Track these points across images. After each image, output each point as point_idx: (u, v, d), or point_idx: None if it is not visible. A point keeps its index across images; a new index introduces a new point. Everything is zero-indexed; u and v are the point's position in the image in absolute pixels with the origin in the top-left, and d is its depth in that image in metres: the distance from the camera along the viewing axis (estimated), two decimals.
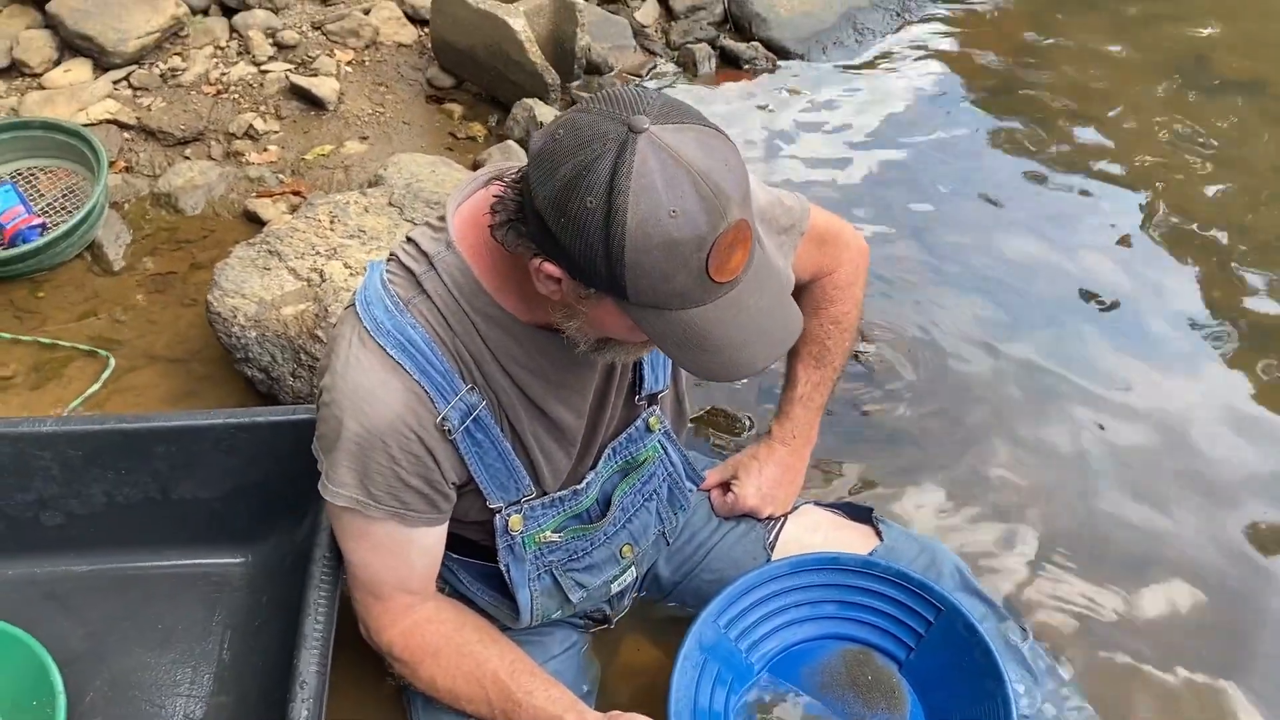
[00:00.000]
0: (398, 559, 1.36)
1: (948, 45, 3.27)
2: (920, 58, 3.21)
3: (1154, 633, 1.75)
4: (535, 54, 2.73)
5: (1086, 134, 2.91)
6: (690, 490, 1.60)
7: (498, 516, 1.37)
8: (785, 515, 1.67)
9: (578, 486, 1.41)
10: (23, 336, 2.18)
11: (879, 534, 1.63)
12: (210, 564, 1.72)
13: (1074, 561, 1.84)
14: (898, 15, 3.39)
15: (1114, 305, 2.37)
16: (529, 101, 2.72)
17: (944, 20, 3.38)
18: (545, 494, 1.39)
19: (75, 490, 1.65)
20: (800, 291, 1.60)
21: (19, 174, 2.47)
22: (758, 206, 1.38)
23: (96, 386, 2.07)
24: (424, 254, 1.23)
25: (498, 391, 1.27)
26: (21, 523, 1.67)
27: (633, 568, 1.57)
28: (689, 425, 1.98)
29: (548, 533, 1.42)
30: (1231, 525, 1.91)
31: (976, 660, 1.44)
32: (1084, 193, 2.71)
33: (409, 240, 1.28)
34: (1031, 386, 2.18)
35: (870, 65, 3.17)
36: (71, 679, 1.55)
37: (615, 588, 1.57)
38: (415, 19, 3.12)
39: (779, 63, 3.16)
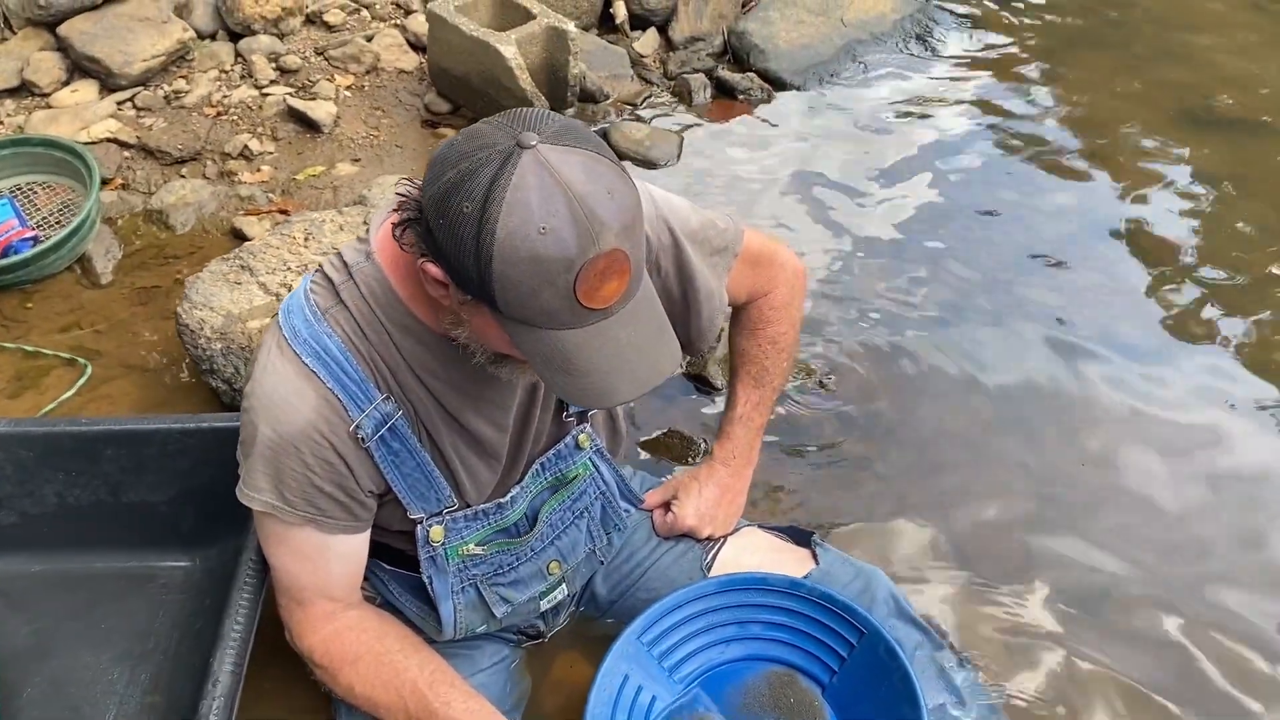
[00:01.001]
0: (316, 565, 1.37)
1: (949, 80, 3.26)
2: (919, 92, 3.21)
3: (1098, 668, 1.72)
4: (525, 81, 2.78)
5: (1090, 169, 2.89)
6: (626, 511, 1.60)
7: (419, 527, 1.38)
8: (725, 536, 1.66)
9: (501, 500, 1.42)
10: (6, 344, 2.24)
11: (816, 558, 1.62)
12: (157, 566, 1.75)
13: (1020, 595, 1.81)
14: (898, 49, 3.40)
15: (1088, 342, 2.34)
16: None
17: (947, 56, 3.38)
18: (468, 506, 1.40)
19: (28, 490, 1.70)
20: (737, 313, 1.62)
21: (19, 189, 2.55)
22: (688, 229, 1.41)
23: (70, 393, 2.13)
24: (345, 265, 1.27)
25: (414, 401, 1.29)
26: None
27: (563, 585, 1.57)
28: (632, 445, 2.00)
29: (471, 545, 1.43)
30: (1186, 566, 1.88)
31: (895, 685, 1.42)
32: (1082, 228, 2.69)
33: (336, 253, 1.31)
34: (1003, 420, 2.16)
35: (867, 99, 3.17)
36: (12, 675, 1.59)
37: (545, 604, 1.57)
38: (417, 46, 3.19)
39: (775, 94, 3.18)
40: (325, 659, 1.40)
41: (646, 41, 3.34)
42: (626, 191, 1.05)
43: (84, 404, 2.12)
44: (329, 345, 1.23)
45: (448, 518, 1.39)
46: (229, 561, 1.66)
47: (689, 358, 2.10)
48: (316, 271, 1.31)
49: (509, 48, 2.76)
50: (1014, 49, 3.41)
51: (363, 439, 1.26)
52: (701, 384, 2.19)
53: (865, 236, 2.64)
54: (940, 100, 3.17)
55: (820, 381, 2.21)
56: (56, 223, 2.49)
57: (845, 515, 1.94)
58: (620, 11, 3.35)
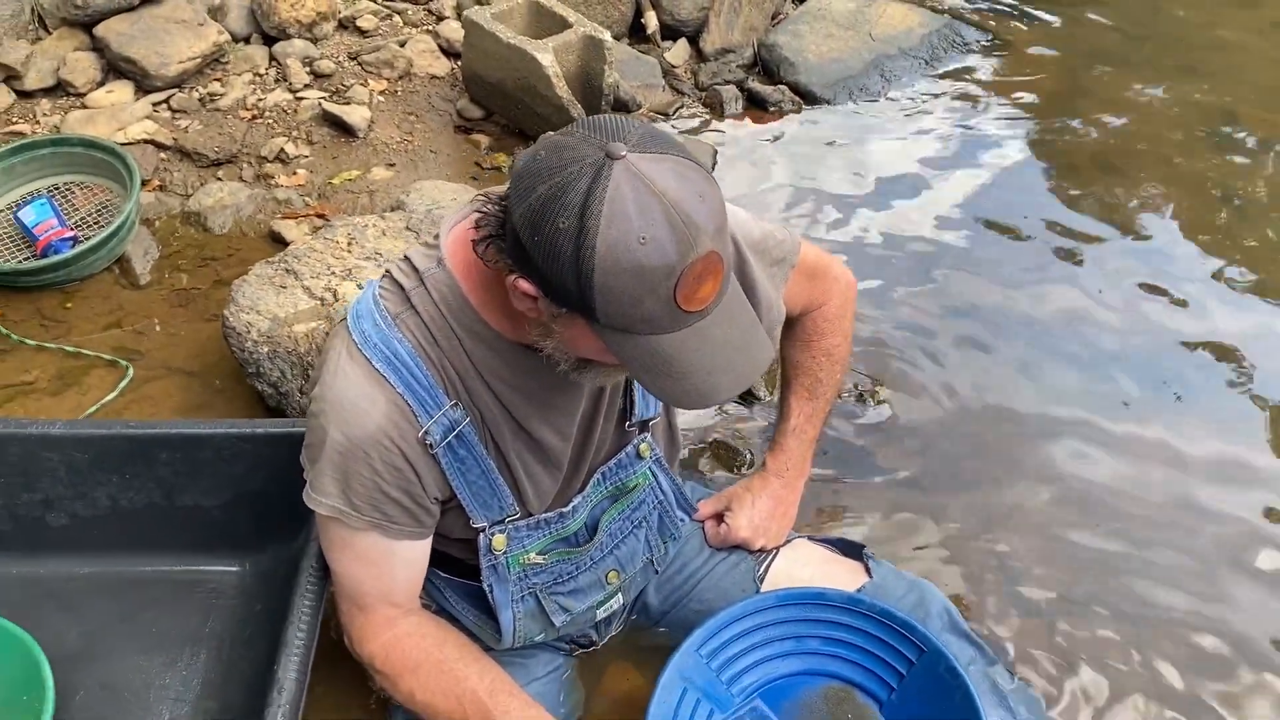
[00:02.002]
0: (380, 570, 1.37)
1: (977, 95, 3.28)
2: (948, 107, 3.23)
3: (1149, 686, 1.72)
4: (562, 89, 2.78)
5: (1117, 185, 2.90)
6: (682, 520, 1.60)
7: (481, 536, 1.38)
8: (777, 548, 1.67)
9: (564, 509, 1.42)
10: (47, 344, 2.24)
11: (869, 571, 1.63)
12: (208, 571, 1.75)
13: (1070, 610, 1.81)
14: (927, 64, 3.41)
15: (1135, 357, 2.35)
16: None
17: (974, 71, 3.40)
18: (530, 515, 1.40)
19: (81, 492, 1.70)
20: (791, 325, 1.62)
21: (56, 188, 2.55)
22: (750, 239, 1.42)
23: (113, 395, 2.12)
24: (415, 270, 1.27)
25: (482, 408, 1.29)
26: (28, 522, 1.71)
27: (620, 594, 1.57)
28: (682, 454, 2.01)
29: (532, 554, 1.43)
30: (1236, 582, 1.88)
31: (957, 704, 1.42)
32: (1108, 240, 2.70)
33: (404, 258, 1.31)
34: (1046, 438, 2.16)
35: (896, 112, 3.19)
36: (64, 677, 1.58)
37: (601, 613, 1.57)
38: (449, 52, 3.20)
39: (805, 107, 3.19)
40: (386, 665, 1.40)
41: (677, 52, 3.35)
42: (714, 194, 1.06)
43: (126, 405, 2.12)
44: (399, 350, 1.24)
45: (510, 526, 1.39)
46: (280, 567, 1.67)
47: None
48: (384, 277, 1.31)
49: (546, 55, 2.77)
50: (1040, 64, 3.43)
51: (431, 445, 1.26)
52: (744, 394, 2.19)
53: (901, 250, 2.65)
54: (969, 114, 3.18)
55: (862, 395, 2.22)
56: (95, 223, 2.49)
57: (891, 529, 1.95)
58: (651, 22, 3.36)
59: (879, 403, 2.20)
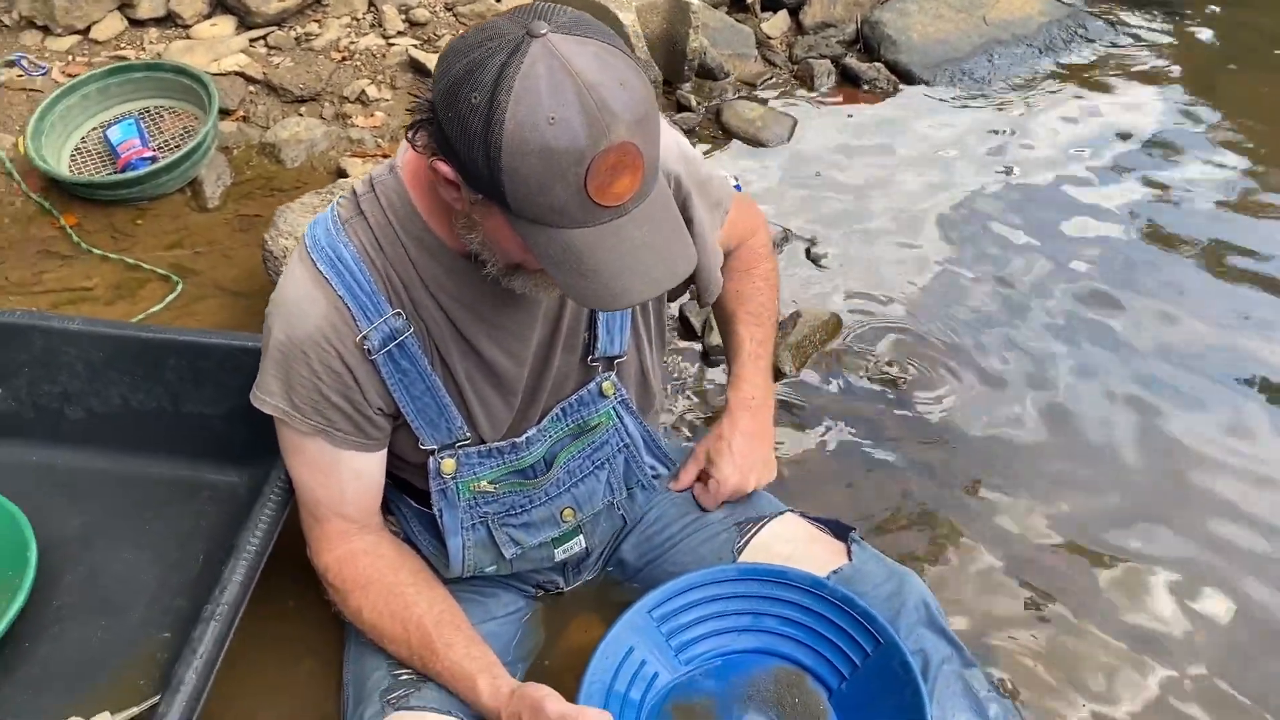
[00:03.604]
0: (329, 479, 1.38)
1: (1090, 88, 3.08)
2: (1055, 99, 3.04)
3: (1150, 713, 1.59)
4: (641, 49, 2.75)
5: (1232, 193, 2.68)
6: (653, 468, 1.56)
7: (431, 459, 1.37)
8: (764, 520, 1.60)
9: (517, 440, 1.40)
10: (111, 255, 2.35)
11: (850, 554, 1.55)
12: (207, 478, 1.78)
13: (1072, 625, 1.69)
14: (1041, 53, 3.22)
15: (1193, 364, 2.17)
16: None
17: (1092, 65, 3.19)
18: (482, 442, 1.38)
19: (96, 389, 1.76)
20: (728, 258, 1.61)
21: (147, 111, 2.67)
22: (698, 177, 1.39)
23: (158, 307, 2.22)
24: (370, 179, 1.27)
25: (427, 320, 1.28)
26: (48, 413, 1.79)
27: (580, 536, 1.54)
28: (690, 418, 1.95)
29: (483, 482, 1.41)
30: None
31: (906, 700, 1.34)
32: (1217, 253, 2.50)
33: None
34: (1078, 438, 2.02)
35: (997, 100, 3.02)
36: (56, 561, 1.66)
37: (560, 553, 1.54)
38: None
39: (900, 86, 3.07)
40: (338, 579, 1.42)
41: (776, 23, 3.26)
42: (639, 84, 1.02)
43: (172, 318, 2.21)
44: (344, 254, 1.24)
45: (460, 452, 1.38)
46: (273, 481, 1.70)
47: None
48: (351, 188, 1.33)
49: (628, 14, 2.74)
50: (1167, 62, 3.19)
51: (369, 350, 1.26)
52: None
53: (976, 241, 2.52)
54: (1079, 109, 2.99)
55: (889, 377, 2.11)
56: (176, 146, 2.59)
57: (892, 514, 1.86)
58: None
59: (901, 388, 2.10)
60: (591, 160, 0.98)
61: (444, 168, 1.07)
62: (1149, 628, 1.71)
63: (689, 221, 1.38)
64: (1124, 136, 2.88)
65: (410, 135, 1.11)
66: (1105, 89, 3.07)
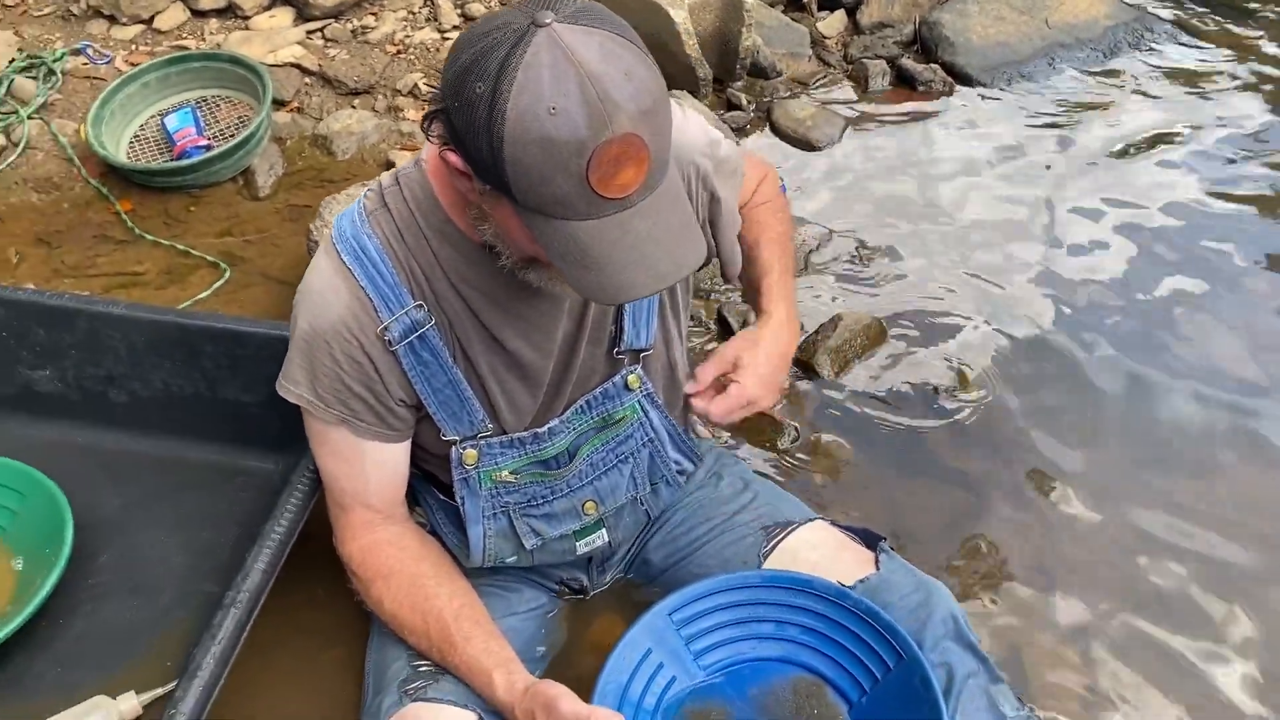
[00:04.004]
0: (353, 469, 1.39)
1: (1155, 94, 2.98)
2: (1118, 106, 2.94)
3: None
4: (691, 47, 2.73)
5: None
6: (677, 464, 1.54)
7: (453, 449, 1.38)
8: (792, 526, 1.57)
9: (539, 430, 1.39)
10: (163, 240, 2.40)
11: (878, 563, 1.52)
12: (243, 464, 1.80)
13: (1111, 648, 1.64)
14: (1106, 57, 3.13)
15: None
16: (677, 94, 2.72)
17: (1158, 71, 3.08)
18: (505, 433, 1.38)
19: (138, 373, 1.80)
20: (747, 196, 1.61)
21: (205, 100, 2.72)
22: (718, 157, 1.40)
23: (206, 293, 2.26)
24: (396, 173, 1.28)
25: (449, 312, 1.28)
26: (93, 395, 1.83)
27: (603, 530, 1.53)
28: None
29: (504, 472, 1.41)
30: None
31: (925, 717, 1.31)
32: None
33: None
34: (1128, 459, 1.96)
35: (1057, 106, 2.94)
36: (93, 541, 1.69)
37: (582, 547, 1.53)
38: None
39: (957, 88, 3.00)
40: (361, 568, 1.43)
41: (832, 23, 3.22)
42: (647, 76, 1.01)
43: (218, 304, 2.25)
44: (367, 245, 1.25)
45: (482, 442, 1.38)
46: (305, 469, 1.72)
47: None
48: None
49: (680, 11, 2.72)
50: (1237, 68, 3.08)
51: (390, 342, 1.27)
52: (807, 371, 2.09)
53: (1028, 247, 2.45)
54: (1142, 116, 2.89)
55: (931, 385, 2.07)
56: (231, 135, 2.64)
57: (925, 524, 1.82)
58: None
59: (956, 398, 2.05)
60: (593, 151, 0.97)
61: (454, 158, 1.08)
62: (1188, 650, 1.65)
63: (715, 200, 1.40)
64: (1187, 144, 2.78)
65: (425, 126, 1.12)
66: (1171, 96, 2.97)
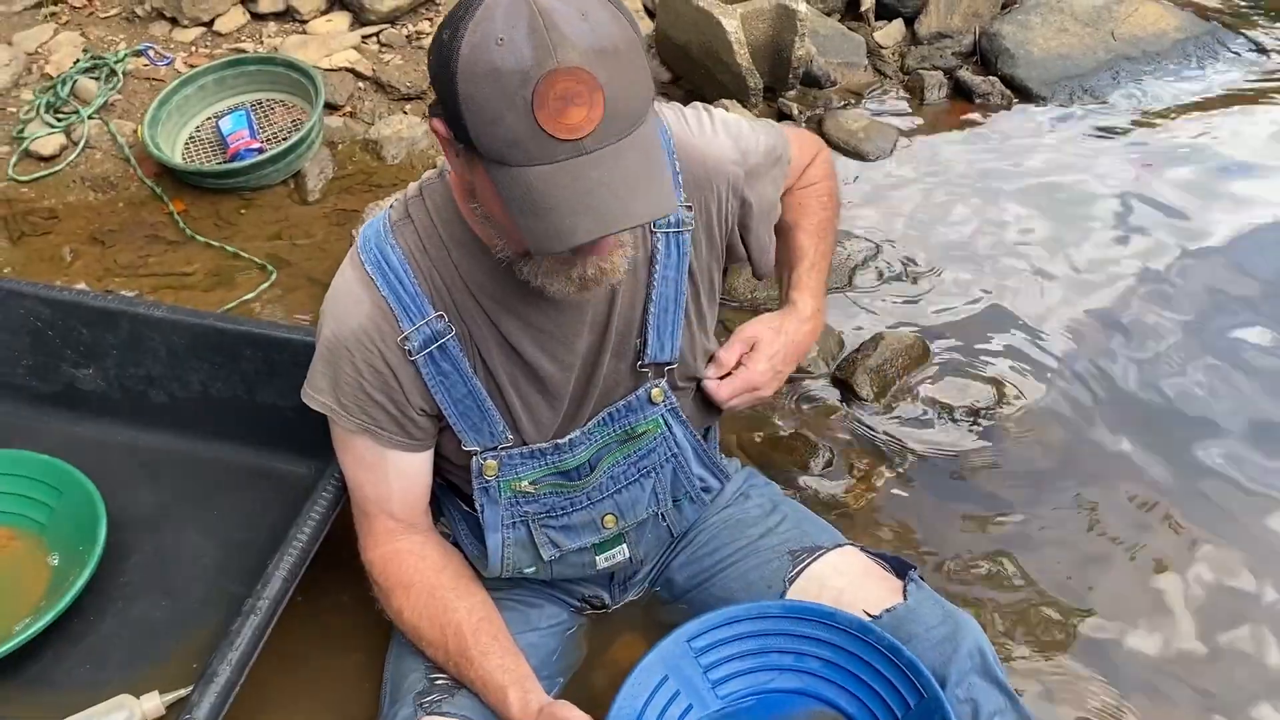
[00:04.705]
0: (377, 477, 1.40)
1: (1225, 112, 2.87)
2: (1186, 122, 2.83)
3: None
4: (743, 56, 2.70)
5: None
6: (702, 480, 1.52)
7: (474, 459, 1.38)
8: (820, 551, 1.54)
9: (560, 441, 1.38)
10: (213, 242, 2.43)
11: (905, 593, 1.48)
12: (277, 468, 1.83)
13: (1138, 685, 1.58)
14: (1173, 72, 3.03)
15: None
16: (726, 102, 2.69)
17: (1229, 84, 2.97)
18: (525, 444, 1.38)
19: (177, 374, 1.83)
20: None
21: (259, 103, 2.76)
22: (756, 158, 1.41)
23: (250, 295, 2.28)
24: (421, 183, 1.30)
25: (470, 324, 1.29)
26: (134, 395, 1.87)
27: (623, 545, 1.51)
28: (753, 439, 1.90)
29: (524, 482, 1.41)
30: None
31: None
32: None
33: None
34: (1177, 494, 1.88)
35: (1121, 122, 2.85)
36: (127, 539, 1.72)
37: (603, 561, 1.52)
38: (651, 12, 3.18)
39: (1015, 103, 2.93)
40: (382, 577, 1.43)
41: (889, 32, 3.16)
42: (607, 21, 1.01)
43: (262, 307, 2.27)
44: (390, 256, 1.26)
45: (503, 454, 1.37)
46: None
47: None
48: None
49: (731, 21, 2.69)
50: None
51: (409, 351, 1.27)
52: (845, 390, 2.05)
53: (1085, 270, 2.38)
54: (1210, 135, 2.79)
55: (973, 409, 2.02)
56: (284, 139, 2.67)
57: (959, 553, 1.77)
58: None
59: (989, 421, 2.00)
60: (537, 82, 0.97)
61: (438, 124, 1.09)
62: (1228, 689, 1.58)
63: (745, 205, 1.41)
64: (1257, 167, 2.67)
65: (430, 107, 1.13)
66: (1241, 114, 2.86)
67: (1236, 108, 2.89)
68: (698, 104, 1.46)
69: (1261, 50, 3.11)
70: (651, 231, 1.34)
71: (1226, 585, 1.73)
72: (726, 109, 2.66)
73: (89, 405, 1.88)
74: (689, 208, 1.36)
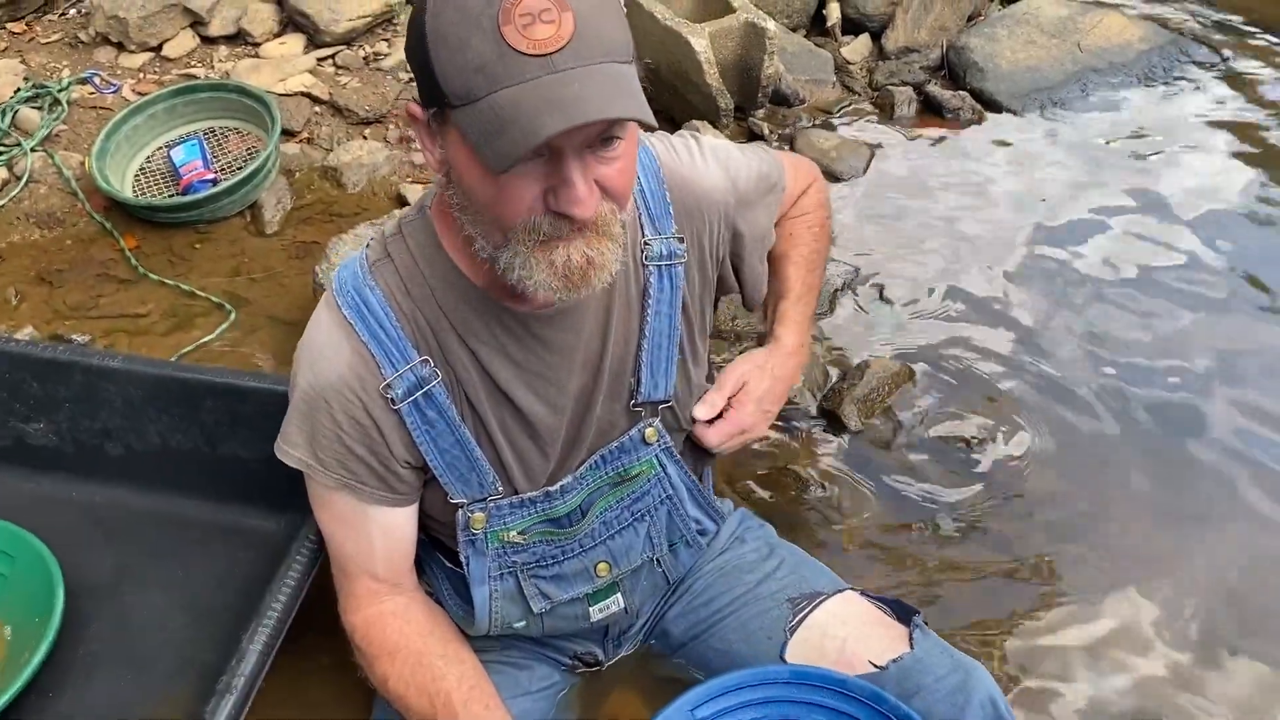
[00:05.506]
0: (359, 535, 1.32)
1: (1193, 123, 2.87)
2: (1155, 132, 2.84)
3: None
4: (713, 76, 2.65)
5: None
6: (698, 523, 1.46)
7: (460, 512, 1.30)
8: (820, 599, 1.48)
9: (550, 489, 1.32)
10: (168, 280, 2.33)
11: (912, 641, 1.42)
12: (244, 522, 1.73)
13: None
14: (1140, 83, 3.03)
15: None
16: (697, 124, 2.64)
17: (1195, 99, 2.97)
18: (516, 493, 1.31)
19: (134, 426, 1.73)
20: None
21: (213, 131, 2.66)
22: (749, 186, 1.38)
23: (211, 337, 2.18)
24: (399, 221, 1.23)
25: (457, 367, 1.21)
26: (89, 449, 1.76)
27: (618, 595, 1.45)
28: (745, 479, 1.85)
29: (512, 533, 1.34)
30: None
31: None
32: None
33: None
34: (1174, 518, 1.85)
35: (1092, 133, 2.84)
36: (85, 607, 1.62)
37: (596, 612, 1.45)
38: None
39: (986, 116, 2.90)
40: (365, 641, 1.35)
41: (856, 48, 3.13)
42: None
43: (223, 350, 2.17)
44: (369, 298, 1.19)
45: (491, 505, 1.30)
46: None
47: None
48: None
49: (700, 40, 2.64)
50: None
51: (393, 400, 1.20)
52: (833, 422, 2.00)
53: (1065, 287, 2.35)
54: (1179, 146, 2.79)
55: (963, 436, 1.97)
56: (239, 168, 2.57)
57: (958, 591, 1.72)
58: (833, 14, 3.16)
59: (977, 453, 1.96)
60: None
61: (414, 107, 1.06)
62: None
63: (737, 236, 1.38)
64: (1223, 177, 2.67)
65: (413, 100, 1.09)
66: (1208, 124, 2.87)
67: (1197, 119, 2.88)
68: (685, 133, 1.41)
69: (1224, 60, 3.12)
70: (644, 265, 1.29)
71: (1234, 625, 1.70)
72: (698, 130, 2.62)
73: (40, 461, 1.78)
74: (681, 239, 1.31)
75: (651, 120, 1.01)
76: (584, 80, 0.96)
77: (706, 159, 1.36)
